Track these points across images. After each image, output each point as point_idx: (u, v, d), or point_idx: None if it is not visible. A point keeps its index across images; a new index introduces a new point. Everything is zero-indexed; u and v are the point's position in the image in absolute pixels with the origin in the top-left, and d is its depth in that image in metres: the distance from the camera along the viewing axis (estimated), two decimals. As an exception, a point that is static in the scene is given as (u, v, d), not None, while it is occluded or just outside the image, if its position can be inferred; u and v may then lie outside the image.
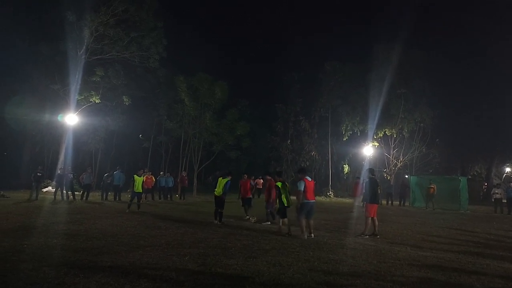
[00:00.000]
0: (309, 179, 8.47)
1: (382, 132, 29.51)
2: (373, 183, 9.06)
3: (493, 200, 19.40)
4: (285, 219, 8.93)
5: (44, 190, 21.07)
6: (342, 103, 31.80)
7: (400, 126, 29.23)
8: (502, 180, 32.88)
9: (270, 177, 10.99)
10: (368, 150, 29.69)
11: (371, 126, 29.16)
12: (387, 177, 29.37)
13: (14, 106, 23.23)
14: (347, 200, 24.64)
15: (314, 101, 34.09)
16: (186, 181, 22.35)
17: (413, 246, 7.71)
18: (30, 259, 5.36)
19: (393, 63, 26.98)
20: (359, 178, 18.79)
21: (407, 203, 22.14)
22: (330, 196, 29.14)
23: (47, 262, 5.19)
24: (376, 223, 8.91)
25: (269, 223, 10.39)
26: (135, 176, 12.93)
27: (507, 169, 35.47)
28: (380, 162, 31.50)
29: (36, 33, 23.20)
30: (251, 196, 12.02)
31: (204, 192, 26.17)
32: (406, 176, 28.80)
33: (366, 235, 8.63)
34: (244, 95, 33.27)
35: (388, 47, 28.34)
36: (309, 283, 4.68)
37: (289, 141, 35.30)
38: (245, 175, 12.43)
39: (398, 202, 22.03)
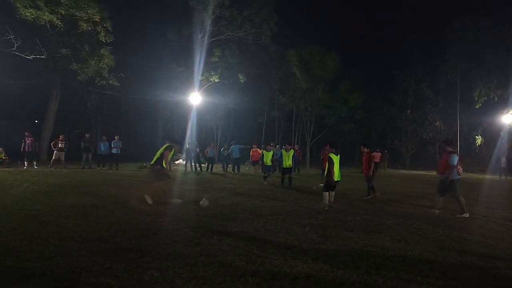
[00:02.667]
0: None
1: (527, 97, 24.93)
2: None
3: None
4: (326, 193, 8.16)
5: (176, 162, 23.88)
6: (475, 66, 27.65)
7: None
8: None
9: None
10: (509, 118, 25.58)
11: (512, 91, 24.87)
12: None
13: (151, 88, 26.67)
14: (480, 176, 21.87)
15: (439, 65, 30.44)
16: (300, 155, 22.69)
17: None
18: (172, 221, 6.18)
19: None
20: None
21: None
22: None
23: (186, 225, 5.92)
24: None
25: (369, 197, 10.05)
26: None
27: None
28: (523, 132, 26.86)
29: (164, 21, 25.92)
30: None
31: (317, 165, 26.16)
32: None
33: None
34: (357, 64, 31.69)
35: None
36: (441, 262, 4.35)
37: (408, 110, 32.68)
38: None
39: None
